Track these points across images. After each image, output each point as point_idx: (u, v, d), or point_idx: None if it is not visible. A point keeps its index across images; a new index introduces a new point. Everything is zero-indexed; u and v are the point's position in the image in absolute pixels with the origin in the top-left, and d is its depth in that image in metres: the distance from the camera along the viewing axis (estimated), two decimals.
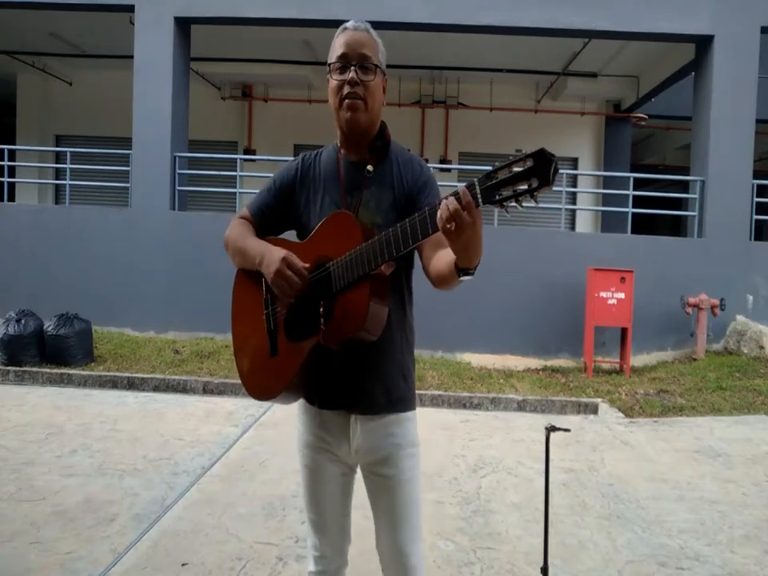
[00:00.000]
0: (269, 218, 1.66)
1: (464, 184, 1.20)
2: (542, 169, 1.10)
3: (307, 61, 10.04)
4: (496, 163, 1.17)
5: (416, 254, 1.55)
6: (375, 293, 1.39)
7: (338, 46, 1.53)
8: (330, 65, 1.54)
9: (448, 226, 1.19)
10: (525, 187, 1.12)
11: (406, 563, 1.59)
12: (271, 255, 1.50)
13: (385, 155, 1.59)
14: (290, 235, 1.65)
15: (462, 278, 1.31)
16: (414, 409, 1.64)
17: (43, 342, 6.12)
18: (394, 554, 1.60)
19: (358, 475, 1.68)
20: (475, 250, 1.24)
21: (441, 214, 1.20)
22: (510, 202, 1.15)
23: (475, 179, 1.18)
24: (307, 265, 1.46)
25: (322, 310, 1.44)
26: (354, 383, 1.55)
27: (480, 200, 1.18)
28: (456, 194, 1.19)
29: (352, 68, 1.49)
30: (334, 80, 1.52)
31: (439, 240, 1.34)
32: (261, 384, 1.59)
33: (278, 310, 1.55)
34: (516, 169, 1.13)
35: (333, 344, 1.43)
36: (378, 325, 1.41)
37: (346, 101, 1.50)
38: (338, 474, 1.63)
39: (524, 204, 1.15)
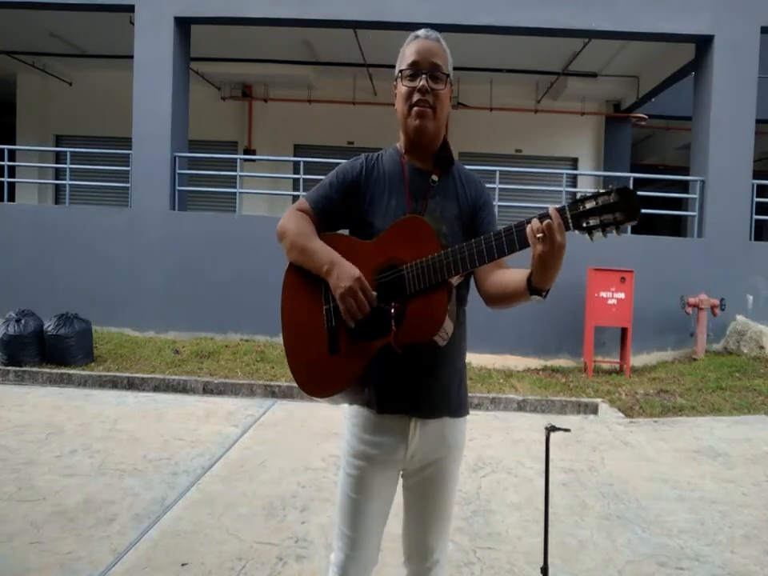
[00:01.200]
0: (329, 213, 1.60)
1: (553, 207, 1.28)
2: (626, 204, 1.21)
3: (307, 61, 10.04)
4: (584, 194, 1.27)
5: None
6: (450, 299, 1.41)
7: (408, 54, 1.54)
8: (400, 71, 1.54)
9: (539, 236, 1.25)
10: (610, 218, 1.23)
11: (429, 557, 1.63)
12: (344, 269, 1.46)
13: (448, 168, 1.61)
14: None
15: (532, 297, 1.36)
16: (468, 413, 1.65)
17: (43, 341, 6.12)
18: (420, 549, 1.64)
19: None
20: (554, 272, 1.30)
21: (533, 227, 1.27)
22: (597, 231, 1.24)
23: (565, 204, 1.27)
24: (375, 294, 1.46)
25: (393, 311, 1.43)
26: (417, 387, 1.54)
27: (571, 224, 1.26)
28: (548, 215, 1.26)
29: (423, 76, 1.50)
30: (403, 86, 1.53)
31: (500, 260, 1.42)
32: (318, 382, 1.54)
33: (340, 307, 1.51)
34: (601, 201, 1.23)
35: (400, 347, 1.42)
36: (449, 330, 1.43)
37: (416, 108, 1.51)
38: (384, 486, 1.60)
39: (607, 234, 1.25)
